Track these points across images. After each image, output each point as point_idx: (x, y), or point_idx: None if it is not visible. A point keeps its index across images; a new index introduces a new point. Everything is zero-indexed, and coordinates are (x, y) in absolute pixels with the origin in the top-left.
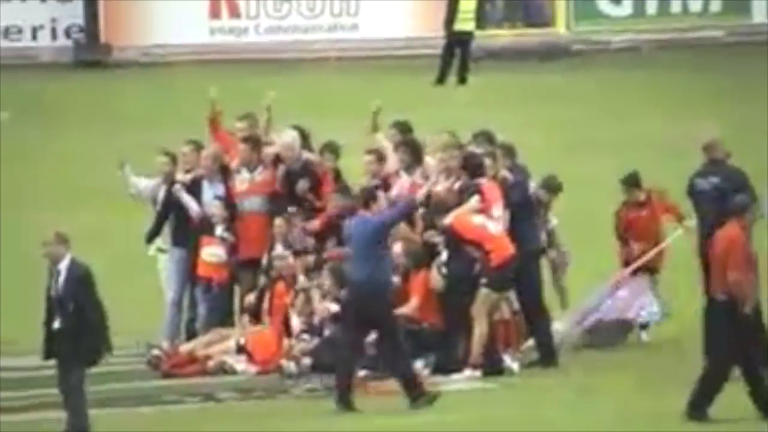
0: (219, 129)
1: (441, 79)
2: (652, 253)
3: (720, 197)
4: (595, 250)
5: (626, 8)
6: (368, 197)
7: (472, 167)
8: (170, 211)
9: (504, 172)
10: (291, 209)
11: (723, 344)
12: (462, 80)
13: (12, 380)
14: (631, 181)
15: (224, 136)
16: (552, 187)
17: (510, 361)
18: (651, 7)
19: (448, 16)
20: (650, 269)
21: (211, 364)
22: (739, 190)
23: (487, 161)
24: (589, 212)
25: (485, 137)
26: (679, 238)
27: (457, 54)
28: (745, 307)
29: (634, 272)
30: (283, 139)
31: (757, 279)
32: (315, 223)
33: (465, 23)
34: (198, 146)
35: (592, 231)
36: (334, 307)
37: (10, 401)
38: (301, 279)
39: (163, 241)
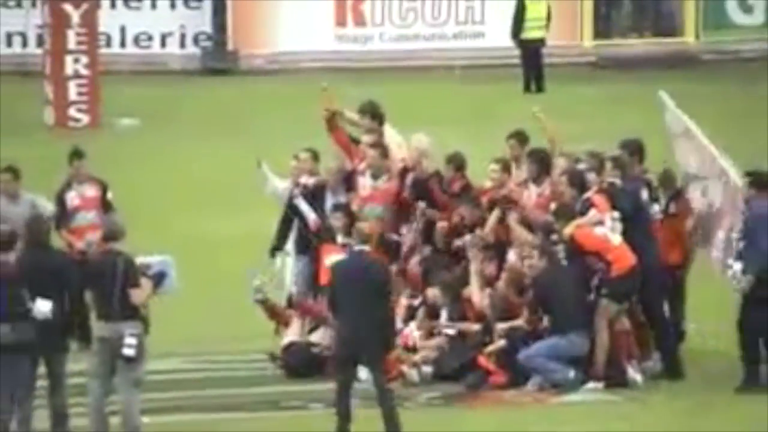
0: (335, 129)
1: (527, 87)
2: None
3: None
4: None
5: (758, 17)
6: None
7: (577, 184)
8: (293, 218)
9: (612, 178)
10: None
11: None
12: (539, 89)
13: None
14: None
15: (341, 137)
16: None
17: (633, 373)
18: None
19: (515, 26)
20: None
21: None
22: None
23: (591, 176)
24: None
25: (627, 148)
26: None
27: (531, 63)
28: None
29: None
30: (416, 143)
31: None
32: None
33: (533, 31)
34: (315, 154)
35: None
36: (451, 331)
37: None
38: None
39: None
